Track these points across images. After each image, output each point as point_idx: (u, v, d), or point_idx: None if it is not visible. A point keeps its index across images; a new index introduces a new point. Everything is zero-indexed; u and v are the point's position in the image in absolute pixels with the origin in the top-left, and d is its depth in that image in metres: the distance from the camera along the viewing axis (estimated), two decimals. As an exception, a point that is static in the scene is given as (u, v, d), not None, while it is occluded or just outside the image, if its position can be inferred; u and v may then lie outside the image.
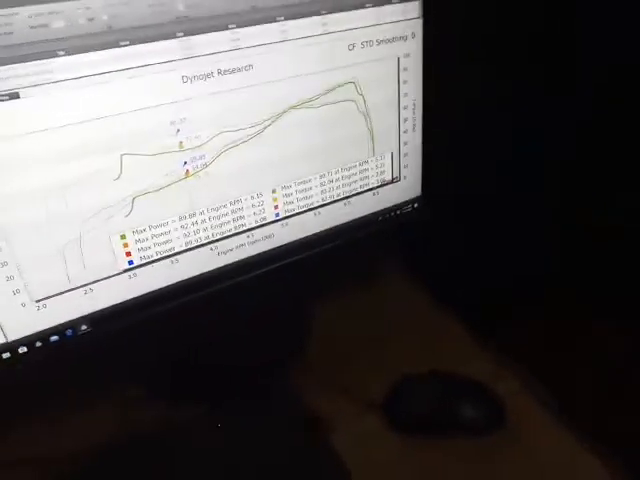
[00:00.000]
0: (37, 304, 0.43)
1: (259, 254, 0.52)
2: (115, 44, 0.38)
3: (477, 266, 0.64)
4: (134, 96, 0.40)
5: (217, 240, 0.49)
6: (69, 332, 0.45)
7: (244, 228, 0.50)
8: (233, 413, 0.55)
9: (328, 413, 0.54)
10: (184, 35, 0.40)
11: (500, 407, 0.53)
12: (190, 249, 0.48)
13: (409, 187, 0.58)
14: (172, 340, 0.54)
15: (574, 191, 0.64)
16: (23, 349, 0.44)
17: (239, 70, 0.44)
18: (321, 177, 0.51)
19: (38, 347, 0.44)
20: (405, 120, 0.54)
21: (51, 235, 0.41)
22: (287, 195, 0.50)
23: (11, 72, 0.36)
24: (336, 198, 0.53)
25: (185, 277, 0.49)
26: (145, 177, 0.43)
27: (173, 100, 0.42)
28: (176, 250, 0.47)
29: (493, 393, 0.54)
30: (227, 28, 0.42)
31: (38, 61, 0.36)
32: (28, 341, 0.44)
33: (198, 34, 0.41)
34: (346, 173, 0.53)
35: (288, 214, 0.51)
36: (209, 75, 0.42)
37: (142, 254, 0.46)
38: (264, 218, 0.50)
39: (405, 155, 0.56)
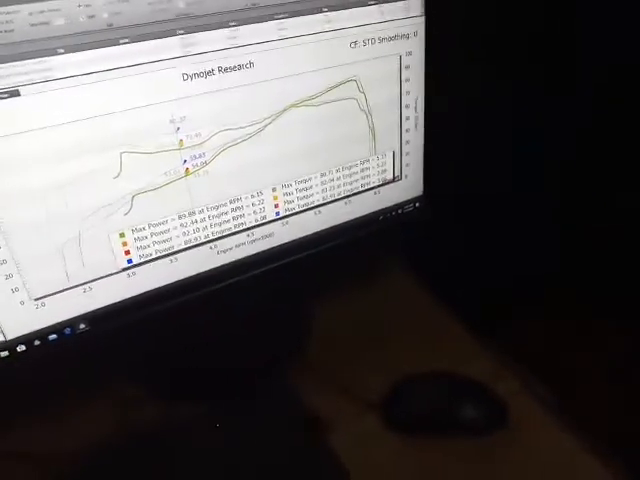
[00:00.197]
0: (36, 302, 0.42)
1: (259, 253, 0.51)
2: (115, 42, 0.38)
3: (478, 266, 0.64)
4: (134, 94, 0.40)
5: (217, 239, 0.49)
6: (68, 331, 0.45)
7: (244, 227, 0.49)
8: (232, 413, 0.55)
9: (327, 413, 0.54)
10: (184, 33, 0.40)
11: (500, 407, 0.53)
12: (189, 248, 0.47)
13: (410, 186, 0.57)
14: (171, 339, 0.53)
15: (574, 191, 0.64)
16: (22, 348, 0.43)
17: (239, 68, 0.43)
18: (322, 176, 0.51)
19: (37, 346, 0.44)
20: (407, 119, 0.54)
21: (50, 233, 0.41)
22: (287, 194, 0.50)
23: (11, 70, 0.36)
24: (337, 197, 0.53)
25: (184, 276, 0.48)
26: (144, 175, 0.43)
27: (173, 98, 0.42)
28: (175, 249, 0.47)
29: (493, 393, 0.54)
30: (228, 26, 0.42)
31: (38, 59, 0.36)
32: (27, 340, 0.43)
33: (198, 32, 0.41)
34: (347, 172, 0.53)
35: (288, 213, 0.51)
36: (209, 73, 0.42)
37: (141, 253, 0.45)
38: (264, 217, 0.50)
39: (407, 154, 0.55)
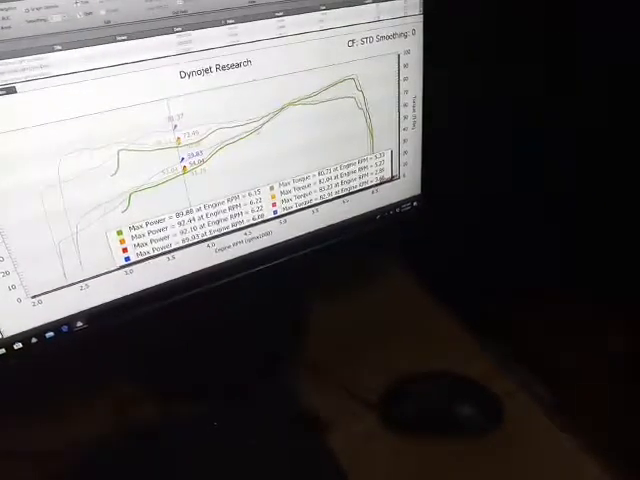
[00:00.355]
0: (33, 300, 0.42)
1: (256, 251, 0.51)
2: (112, 39, 0.38)
3: (477, 265, 0.64)
4: (131, 91, 0.40)
5: (214, 237, 0.48)
6: (65, 328, 0.45)
7: (241, 225, 0.49)
8: (231, 412, 0.54)
9: (326, 413, 0.53)
10: (182, 30, 0.40)
11: (499, 407, 0.53)
12: (187, 246, 0.47)
13: (408, 185, 0.57)
14: (169, 338, 0.53)
15: (574, 191, 0.64)
16: (18, 345, 0.43)
17: (237, 66, 0.43)
18: (319, 174, 0.51)
19: (34, 343, 0.44)
20: (405, 117, 0.54)
21: (47, 231, 0.41)
22: (285, 192, 0.50)
23: (8, 66, 0.36)
24: (335, 196, 0.53)
25: (182, 274, 0.48)
26: (142, 173, 0.43)
27: (170, 95, 0.42)
28: (173, 247, 0.47)
29: (492, 393, 0.54)
30: (225, 23, 0.42)
31: (35, 55, 0.36)
32: (23, 337, 0.43)
33: (196, 29, 0.41)
34: (345, 170, 0.52)
35: (286, 211, 0.51)
36: (207, 71, 0.42)
37: (138, 250, 0.45)
38: (262, 215, 0.50)
39: (405, 153, 0.55)
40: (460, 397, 0.54)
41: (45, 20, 0.36)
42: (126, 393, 0.56)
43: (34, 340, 0.44)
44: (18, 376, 0.48)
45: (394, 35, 0.49)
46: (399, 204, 0.57)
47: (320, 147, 0.50)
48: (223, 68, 0.43)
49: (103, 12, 0.38)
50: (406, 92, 0.53)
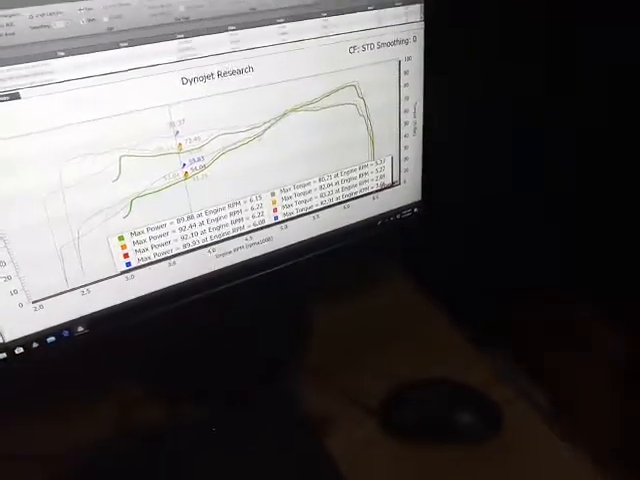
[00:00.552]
0: (34, 305, 0.43)
1: (257, 257, 0.51)
2: (115, 45, 0.38)
3: (477, 266, 0.64)
4: (133, 97, 0.40)
5: (215, 242, 0.49)
6: (66, 333, 0.45)
7: (242, 231, 0.49)
8: (231, 416, 0.54)
9: (326, 418, 0.53)
10: (184, 37, 0.40)
11: (498, 414, 0.53)
12: (188, 251, 0.48)
13: (409, 191, 0.57)
14: (170, 343, 0.53)
15: (574, 191, 0.64)
16: (20, 350, 0.43)
17: (239, 72, 0.44)
18: (320, 180, 0.51)
19: (35, 348, 0.44)
20: (406, 124, 0.54)
21: (49, 236, 0.41)
22: (286, 198, 0.50)
23: (12, 72, 0.36)
24: (335, 202, 0.53)
25: (183, 279, 0.48)
26: (143, 179, 0.43)
27: (172, 101, 0.42)
28: (174, 252, 0.47)
29: (491, 400, 0.54)
30: (227, 30, 0.42)
31: (39, 62, 0.37)
32: (25, 342, 0.43)
33: (198, 36, 0.41)
34: (346, 177, 0.53)
35: (287, 217, 0.51)
36: (209, 77, 0.42)
37: (140, 256, 0.45)
38: (263, 221, 0.50)
39: (405, 159, 0.55)
40: (460, 404, 0.54)
41: (49, 26, 0.36)
42: (126, 398, 0.56)
43: (35, 345, 0.44)
44: (19, 380, 0.48)
45: (395, 42, 0.50)
46: (400, 210, 0.58)
47: (321, 153, 0.50)
48: (225, 74, 0.43)
49: (106, 19, 0.38)
50: (407, 98, 0.53)
